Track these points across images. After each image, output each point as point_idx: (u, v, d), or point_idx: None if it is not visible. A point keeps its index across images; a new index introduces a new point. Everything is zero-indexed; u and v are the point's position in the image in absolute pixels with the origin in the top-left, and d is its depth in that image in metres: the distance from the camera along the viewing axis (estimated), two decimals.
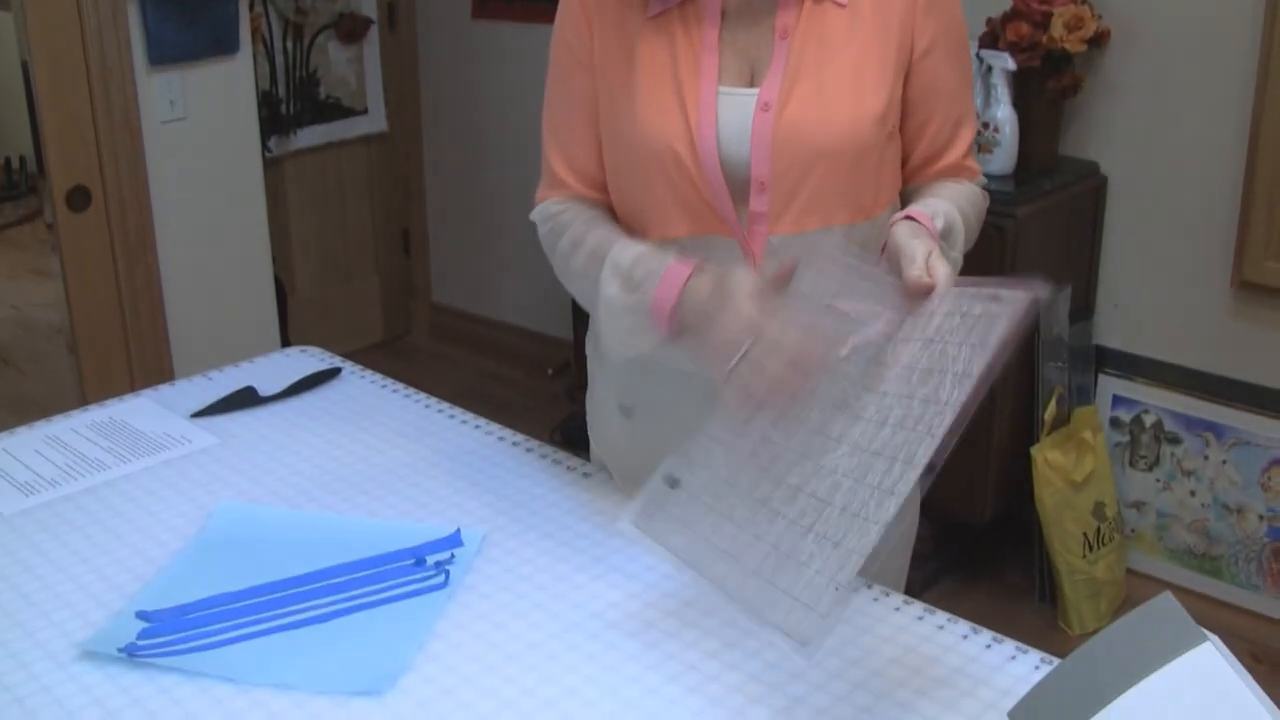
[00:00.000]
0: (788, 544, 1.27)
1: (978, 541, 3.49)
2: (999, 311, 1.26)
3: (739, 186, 1.55)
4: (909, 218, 1.47)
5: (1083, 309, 3.32)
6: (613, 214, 1.68)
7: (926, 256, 1.37)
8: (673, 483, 1.42)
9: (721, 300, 1.40)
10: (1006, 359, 1.23)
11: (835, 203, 1.56)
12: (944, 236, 1.51)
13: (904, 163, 1.67)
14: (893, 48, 1.56)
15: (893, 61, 1.56)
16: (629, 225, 1.64)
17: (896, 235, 1.42)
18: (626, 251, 1.54)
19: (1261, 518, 3.17)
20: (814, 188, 1.55)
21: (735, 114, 1.54)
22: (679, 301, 1.46)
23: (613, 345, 1.59)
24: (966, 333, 1.26)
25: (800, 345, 1.33)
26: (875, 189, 1.60)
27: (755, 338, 1.35)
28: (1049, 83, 3.13)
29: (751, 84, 1.56)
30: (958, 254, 1.55)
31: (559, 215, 1.67)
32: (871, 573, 1.23)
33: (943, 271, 1.35)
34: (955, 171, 1.68)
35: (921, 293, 1.34)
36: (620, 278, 1.53)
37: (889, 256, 1.42)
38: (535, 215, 1.71)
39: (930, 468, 1.21)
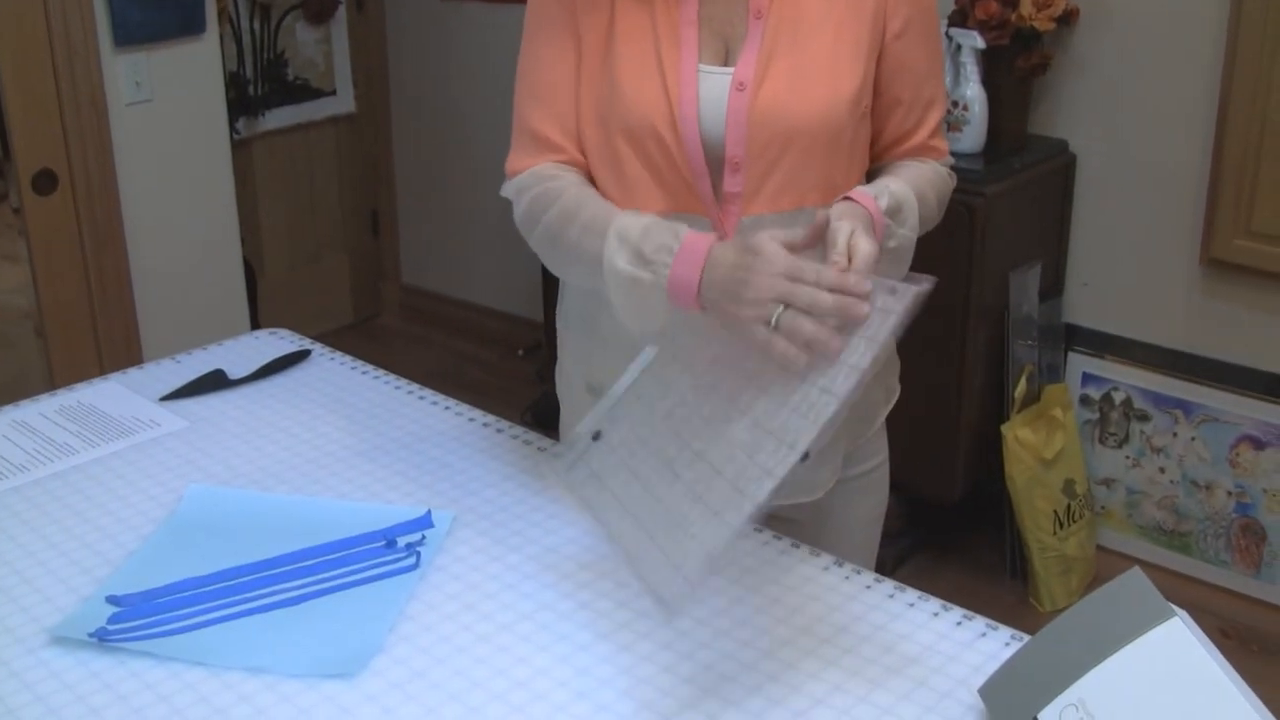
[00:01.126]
0: (679, 508, 1.29)
1: (948, 519, 3.51)
2: (893, 306, 1.29)
3: (714, 165, 1.55)
4: (847, 198, 1.48)
5: (1052, 287, 3.33)
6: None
7: (848, 237, 1.37)
8: (595, 435, 1.44)
9: (751, 257, 1.35)
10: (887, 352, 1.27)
11: (809, 183, 1.56)
12: (891, 214, 1.51)
13: (872, 142, 1.67)
14: (866, 28, 1.56)
15: (866, 42, 1.56)
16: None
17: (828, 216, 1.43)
18: (633, 222, 1.48)
19: (1230, 494, 3.19)
20: (788, 168, 1.55)
21: (712, 93, 1.54)
22: (703, 276, 1.40)
23: (624, 320, 1.52)
24: (866, 325, 1.29)
25: (843, 280, 1.30)
26: (847, 169, 1.60)
27: (795, 286, 1.32)
28: (1018, 61, 3.14)
29: (726, 63, 1.56)
30: (908, 231, 1.55)
31: (550, 183, 1.59)
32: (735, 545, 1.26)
33: (863, 250, 1.35)
34: (922, 151, 1.68)
35: None
36: (629, 250, 1.46)
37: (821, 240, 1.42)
38: (512, 187, 1.64)
39: (805, 455, 1.22)
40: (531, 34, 1.64)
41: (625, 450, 1.40)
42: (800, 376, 1.30)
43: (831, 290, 1.30)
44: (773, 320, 1.32)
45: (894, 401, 1.81)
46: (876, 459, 1.80)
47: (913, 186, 1.58)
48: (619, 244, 1.48)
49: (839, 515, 1.75)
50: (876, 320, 1.29)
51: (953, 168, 1.73)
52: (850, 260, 1.35)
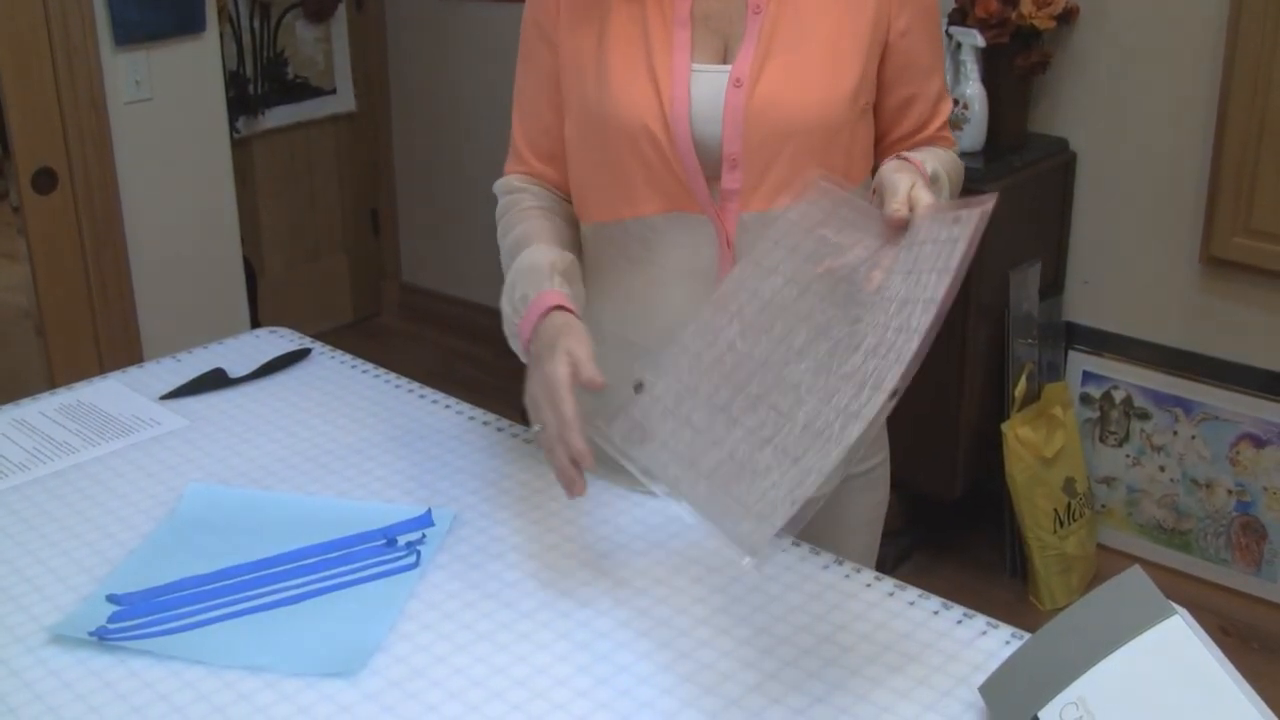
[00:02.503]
0: (744, 452, 1.28)
1: (949, 517, 3.51)
2: (959, 234, 1.27)
3: (711, 164, 1.55)
4: (898, 156, 1.49)
5: (1052, 285, 3.33)
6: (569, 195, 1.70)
7: (909, 188, 1.37)
8: (638, 387, 1.45)
9: (548, 356, 1.44)
10: (961, 280, 1.24)
11: None
12: (932, 182, 1.52)
13: (884, 138, 1.67)
14: (867, 25, 1.56)
15: (867, 39, 1.56)
16: (596, 204, 1.63)
17: (883, 171, 1.43)
18: (527, 262, 1.58)
19: (1230, 492, 3.19)
20: (786, 165, 1.54)
21: (708, 91, 1.54)
22: (530, 338, 1.51)
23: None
24: (935, 259, 1.28)
25: (582, 454, 1.38)
26: (846, 166, 1.60)
27: (548, 418, 1.41)
28: (1018, 59, 3.14)
29: (724, 60, 1.55)
30: (942, 200, 1.56)
31: (516, 194, 1.72)
32: (825, 493, 1.24)
33: (925, 200, 1.35)
34: (933, 141, 1.69)
35: (899, 226, 1.35)
36: (510, 283, 1.58)
37: (875, 191, 1.43)
38: (498, 186, 1.75)
39: (894, 393, 1.21)
40: (520, 45, 1.71)
41: (672, 398, 1.41)
42: (860, 319, 1.30)
43: (568, 450, 1.39)
44: (533, 427, 1.45)
45: (895, 400, 1.81)
46: (877, 457, 1.80)
47: (939, 162, 1.60)
48: (512, 278, 1.59)
49: (839, 513, 1.75)
50: (945, 251, 1.27)
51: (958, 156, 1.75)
52: (911, 210, 1.35)
